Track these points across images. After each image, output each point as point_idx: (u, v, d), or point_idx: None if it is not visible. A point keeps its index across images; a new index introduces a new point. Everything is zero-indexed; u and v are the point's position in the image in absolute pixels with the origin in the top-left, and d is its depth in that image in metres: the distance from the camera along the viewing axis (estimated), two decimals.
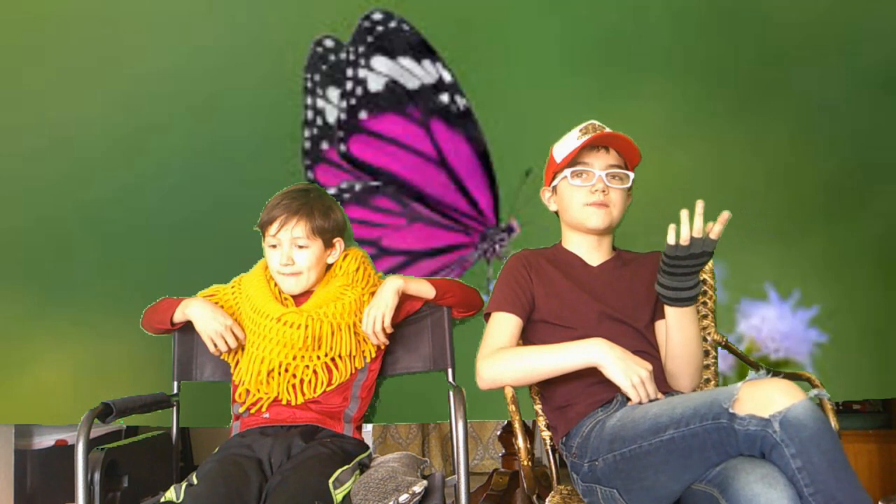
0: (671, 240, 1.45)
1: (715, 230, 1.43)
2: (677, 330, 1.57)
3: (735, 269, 2.15)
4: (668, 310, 1.57)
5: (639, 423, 1.39)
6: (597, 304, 1.64)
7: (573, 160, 1.67)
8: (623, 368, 1.47)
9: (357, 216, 2.27)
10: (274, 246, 1.80)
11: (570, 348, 1.54)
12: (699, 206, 1.43)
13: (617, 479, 1.42)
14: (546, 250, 1.77)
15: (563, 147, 1.70)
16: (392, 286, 1.79)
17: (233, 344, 1.79)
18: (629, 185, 1.68)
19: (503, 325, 1.65)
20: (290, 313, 1.76)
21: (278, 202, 1.79)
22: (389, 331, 1.78)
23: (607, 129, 1.68)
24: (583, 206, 1.66)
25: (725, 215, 1.43)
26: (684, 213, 1.43)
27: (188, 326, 1.87)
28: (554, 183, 1.73)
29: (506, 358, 1.59)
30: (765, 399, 1.25)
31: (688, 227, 1.43)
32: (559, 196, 1.72)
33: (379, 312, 1.77)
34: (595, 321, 1.62)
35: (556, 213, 1.76)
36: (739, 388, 1.28)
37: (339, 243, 1.85)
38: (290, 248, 1.78)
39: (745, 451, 1.27)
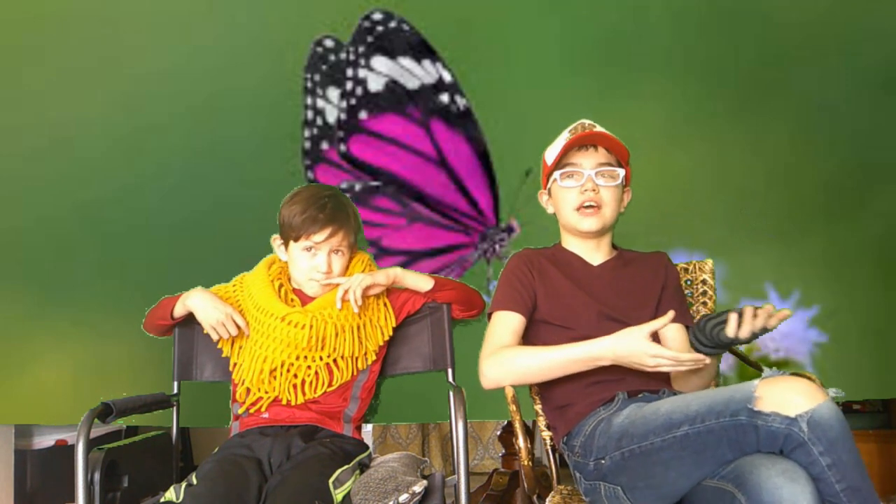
0: (731, 333, 1.44)
1: (771, 323, 1.44)
2: (701, 370, 1.59)
3: (735, 269, 2.14)
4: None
5: (650, 419, 1.39)
6: (596, 305, 1.64)
7: (562, 161, 1.66)
8: (636, 362, 1.47)
9: None
10: (309, 249, 1.79)
11: (578, 352, 1.53)
12: (769, 309, 1.43)
13: (623, 476, 1.42)
14: (546, 250, 1.77)
15: (553, 149, 1.70)
16: (389, 271, 1.82)
17: (233, 332, 1.79)
18: (620, 181, 1.67)
19: (506, 324, 1.65)
20: (294, 313, 1.76)
21: (316, 212, 1.75)
22: (359, 301, 1.75)
23: (598, 128, 1.67)
24: (573, 209, 1.66)
25: (785, 313, 1.44)
26: (747, 314, 1.43)
27: (189, 323, 1.87)
28: (548, 185, 1.73)
29: (509, 357, 1.58)
30: (788, 398, 1.25)
31: (749, 326, 1.43)
32: (553, 198, 1.73)
33: (359, 277, 1.76)
34: (595, 322, 1.62)
35: (555, 215, 1.76)
36: (757, 386, 1.28)
37: (355, 247, 1.87)
38: (330, 256, 1.78)
39: (764, 448, 1.27)
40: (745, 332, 1.44)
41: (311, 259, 1.78)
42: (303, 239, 1.77)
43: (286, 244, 1.82)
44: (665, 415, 1.37)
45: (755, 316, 1.45)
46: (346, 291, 1.75)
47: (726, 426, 1.29)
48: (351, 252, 1.84)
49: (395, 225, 2.27)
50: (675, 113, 2.23)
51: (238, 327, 1.79)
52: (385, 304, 1.86)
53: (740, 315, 1.46)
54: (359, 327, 1.79)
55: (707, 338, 1.51)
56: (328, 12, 2.30)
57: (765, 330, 1.45)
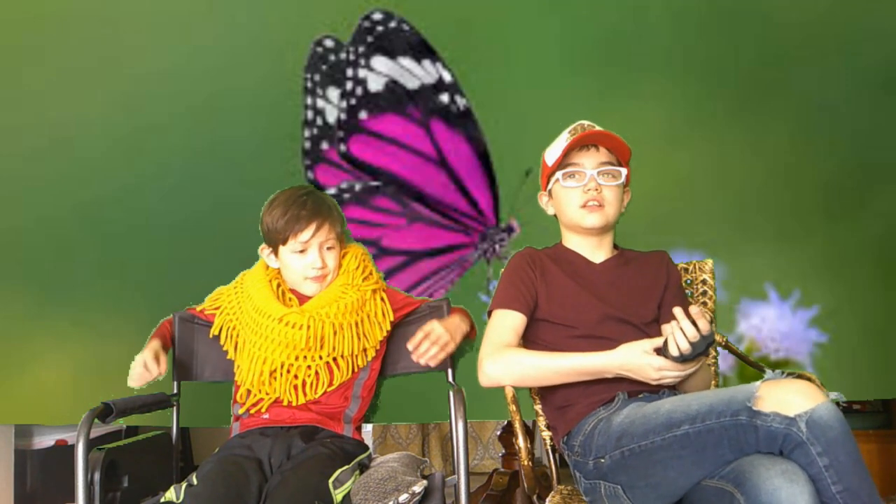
0: (675, 352, 1.41)
1: (704, 327, 1.39)
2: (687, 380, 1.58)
3: (735, 269, 2.15)
4: None
5: (650, 418, 1.39)
6: (599, 304, 1.64)
7: (564, 162, 1.66)
8: (640, 375, 1.49)
9: (357, 216, 2.27)
10: (302, 251, 1.78)
11: (582, 363, 1.54)
12: (679, 313, 1.40)
13: (622, 475, 1.43)
14: (549, 249, 1.77)
15: (554, 150, 1.70)
16: (466, 325, 1.82)
17: (153, 371, 1.75)
18: (622, 181, 1.68)
19: (507, 323, 1.64)
20: (292, 313, 1.76)
21: (298, 211, 1.75)
22: (440, 359, 1.76)
23: (597, 128, 1.67)
24: (577, 207, 1.66)
25: (696, 311, 1.39)
26: (672, 328, 1.40)
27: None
28: (549, 187, 1.73)
29: (512, 359, 1.58)
30: (788, 399, 1.26)
31: (683, 338, 1.40)
32: (555, 199, 1.72)
33: (446, 338, 1.75)
34: (596, 321, 1.62)
35: (555, 216, 1.76)
36: (759, 387, 1.28)
37: (343, 239, 1.87)
38: (322, 251, 1.78)
39: (763, 449, 1.27)
40: (684, 346, 1.40)
41: (304, 259, 1.78)
42: (291, 240, 1.76)
43: (275, 251, 1.81)
44: (666, 414, 1.37)
45: (681, 327, 1.40)
46: (435, 345, 1.75)
47: (727, 426, 1.29)
48: (340, 244, 1.83)
49: (395, 225, 2.27)
50: (675, 113, 2.23)
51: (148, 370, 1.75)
52: (382, 299, 1.85)
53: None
54: (357, 324, 1.79)
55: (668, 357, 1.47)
56: (328, 12, 2.30)
57: (703, 338, 1.40)
